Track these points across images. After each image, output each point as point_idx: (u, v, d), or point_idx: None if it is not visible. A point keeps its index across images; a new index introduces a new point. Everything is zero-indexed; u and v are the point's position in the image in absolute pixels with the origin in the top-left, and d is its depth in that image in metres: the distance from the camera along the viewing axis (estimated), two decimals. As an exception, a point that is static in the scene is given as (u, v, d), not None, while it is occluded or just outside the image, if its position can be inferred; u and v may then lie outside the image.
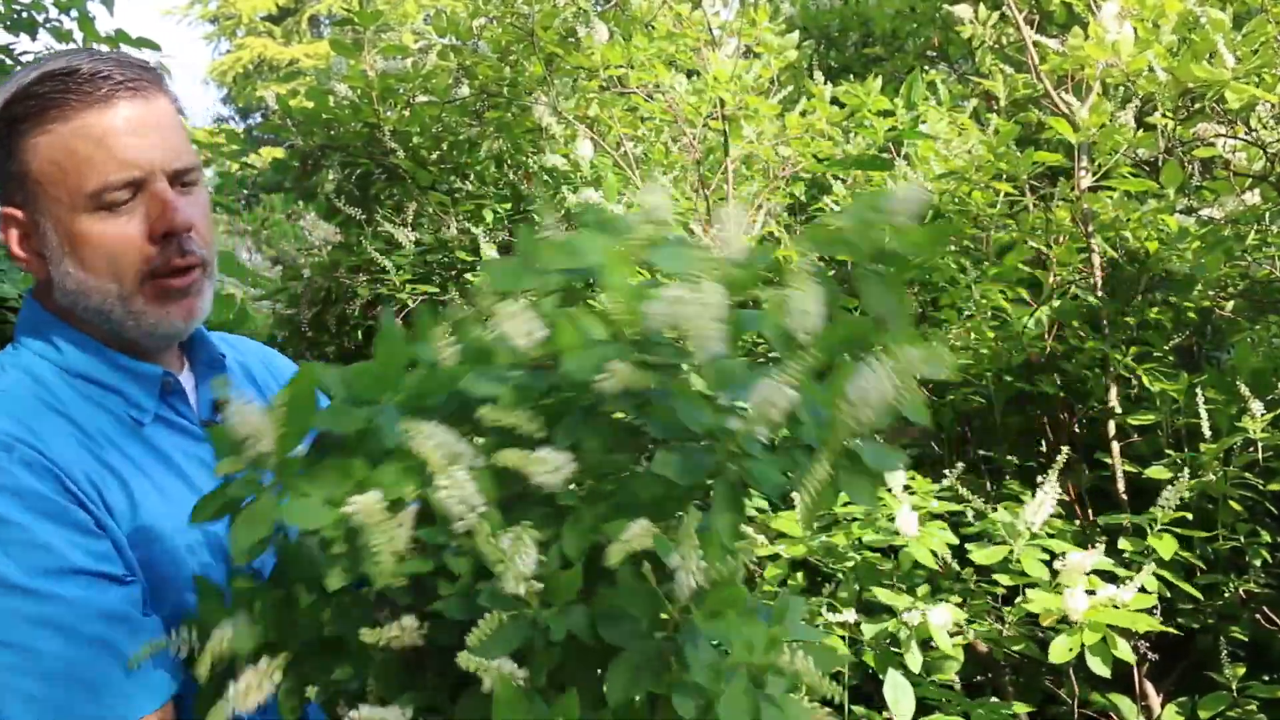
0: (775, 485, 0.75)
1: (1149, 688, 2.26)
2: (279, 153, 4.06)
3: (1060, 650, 1.87)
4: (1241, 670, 2.16)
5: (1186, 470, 2.10)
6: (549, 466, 0.75)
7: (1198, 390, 2.27)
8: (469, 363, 0.83)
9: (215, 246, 1.21)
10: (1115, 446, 2.43)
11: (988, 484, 2.55)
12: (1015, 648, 2.10)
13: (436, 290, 2.79)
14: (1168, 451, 2.32)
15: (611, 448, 0.79)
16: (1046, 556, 1.99)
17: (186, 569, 1.09)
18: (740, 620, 0.74)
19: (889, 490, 2.02)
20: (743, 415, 0.75)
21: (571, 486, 0.77)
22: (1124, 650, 1.87)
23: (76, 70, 1.09)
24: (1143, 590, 1.93)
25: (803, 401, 0.75)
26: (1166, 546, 2.06)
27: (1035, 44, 2.62)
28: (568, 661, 0.73)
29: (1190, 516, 2.12)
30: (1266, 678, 2.25)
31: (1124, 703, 2.21)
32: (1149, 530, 2.10)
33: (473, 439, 0.80)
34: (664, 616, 0.74)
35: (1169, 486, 2.06)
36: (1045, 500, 1.94)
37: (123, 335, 1.14)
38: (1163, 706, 2.24)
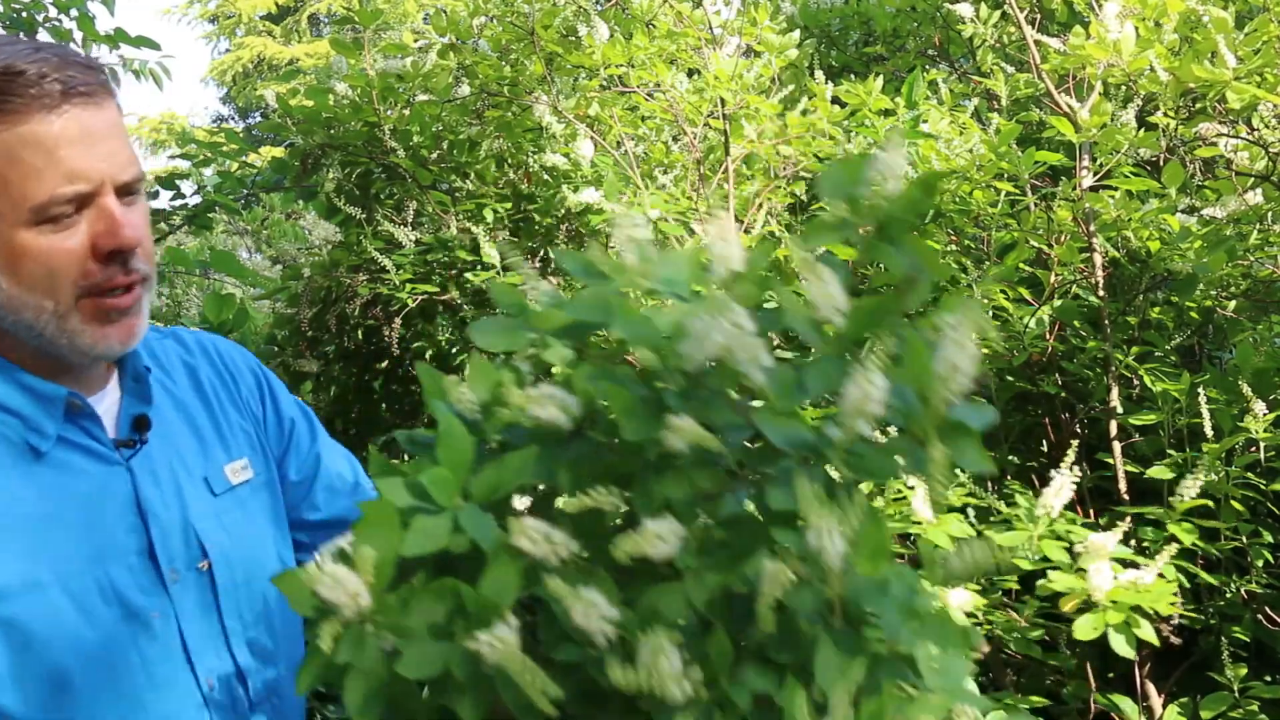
0: (892, 475, 0.74)
1: (1150, 688, 2.26)
2: (279, 152, 4.05)
3: (1085, 628, 1.87)
4: (1243, 671, 2.16)
5: (1202, 466, 2.09)
6: (665, 539, 0.72)
7: (1199, 390, 2.27)
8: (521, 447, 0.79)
9: (154, 259, 1.13)
10: (1117, 446, 2.43)
11: (989, 483, 2.55)
12: (1033, 635, 2.10)
13: (436, 290, 2.79)
14: (1169, 451, 2.32)
15: (698, 497, 0.76)
16: (1065, 544, 1.99)
17: (66, 624, 1.01)
18: (893, 563, 0.73)
19: (908, 485, 2.02)
20: (838, 419, 0.73)
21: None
22: (1147, 631, 1.86)
23: (21, 71, 1.01)
24: (1162, 577, 1.93)
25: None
26: (1186, 535, 2.07)
27: (1037, 43, 2.62)
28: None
29: (1211, 505, 2.12)
30: (1269, 678, 2.25)
31: (1125, 703, 2.21)
32: (1167, 521, 2.10)
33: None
34: (827, 595, 0.71)
35: (1186, 476, 2.05)
36: (1064, 484, 1.93)
37: (50, 353, 1.07)
38: (1164, 707, 2.24)
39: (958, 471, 2.16)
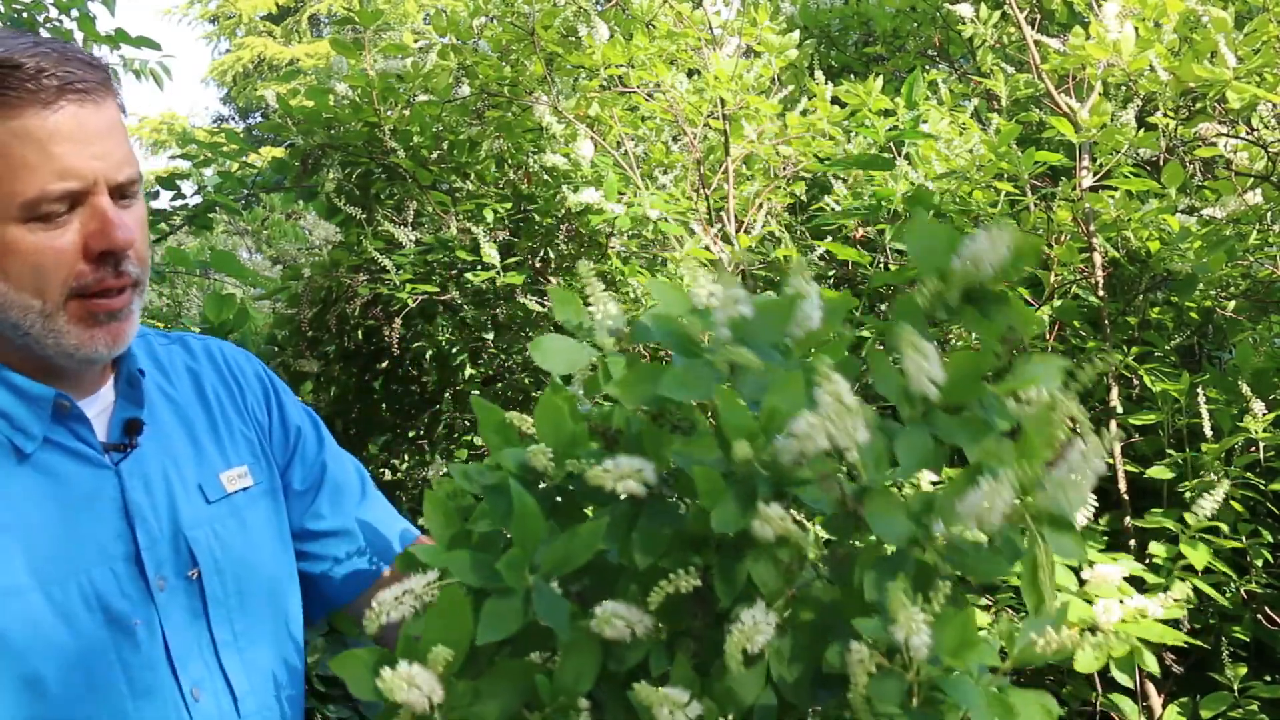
0: (996, 575, 0.72)
1: (1150, 688, 2.25)
2: (279, 152, 4.05)
3: (1086, 662, 1.85)
4: (1243, 670, 2.16)
5: (1225, 481, 2.07)
6: (761, 630, 0.71)
7: (1199, 390, 2.27)
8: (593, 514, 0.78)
9: (150, 262, 1.11)
10: (1116, 446, 2.43)
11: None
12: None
13: (436, 290, 2.79)
14: (1169, 451, 2.32)
15: (781, 569, 0.74)
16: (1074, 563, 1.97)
17: (45, 628, 0.99)
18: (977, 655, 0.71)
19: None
20: (945, 515, 0.71)
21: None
22: (1150, 662, 1.85)
23: (19, 65, 0.99)
24: (1174, 601, 1.91)
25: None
26: (1200, 557, 2.04)
27: (1036, 43, 2.62)
28: None
29: (1223, 527, 2.10)
30: (1268, 678, 2.25)
31: (1125, 703, 2.21)
32: (1181, 534, 2.08)
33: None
34: (910, 679, 0.70)
35: (1206, 494, 2.02)
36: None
37: (36, 353, 1.05)
38: (1164, 707, 2.24)
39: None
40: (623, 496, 0.75)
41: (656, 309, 0.83)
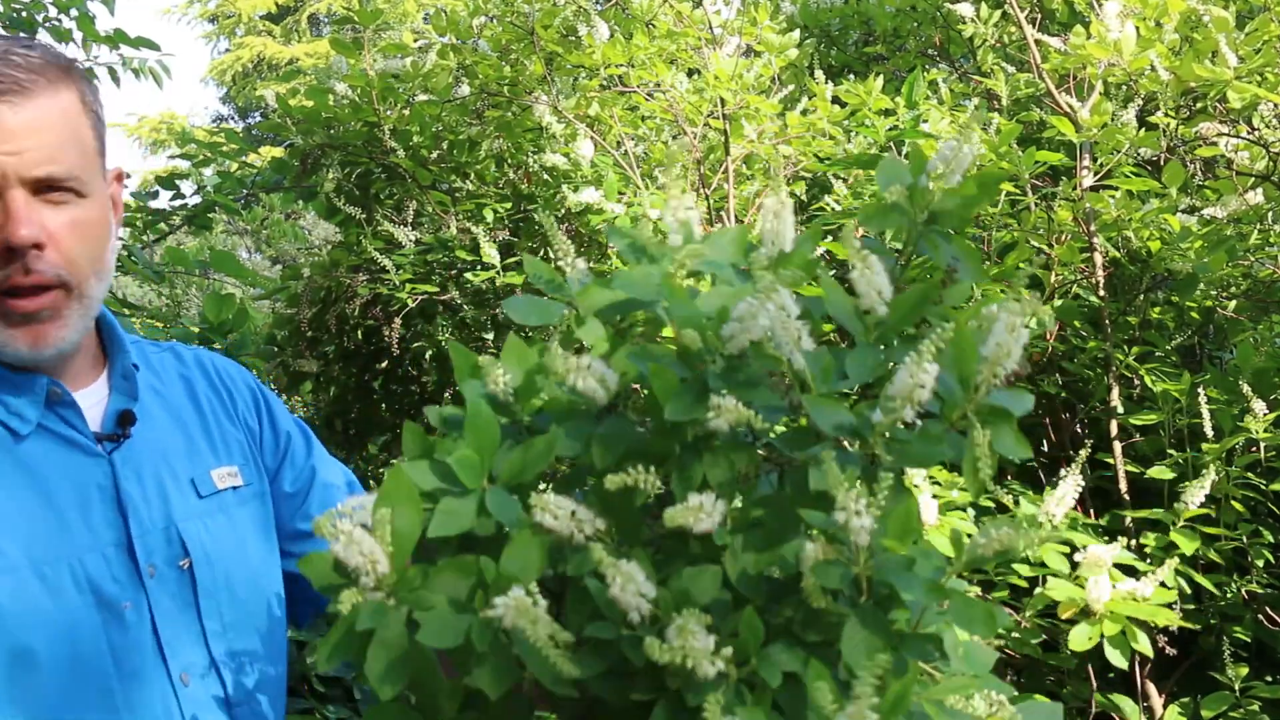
0: (935, 461, 0.74)
1: (1151, 688, 2.25)
2: (279, 152, 4.05)
3: (1080, 639, 1.87)
4: (1244, 671, 2.16)
5: (1209, 470, 2.09)
6: (706, 514, 0.72)
7: (1200, 390, 2.27)
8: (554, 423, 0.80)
9: (94, 268, 1.10)
10: (1117, 446, 2.43)
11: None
12: (1033, 640, 2.10)
13: (436, 290, 2.79)
14: (1170, 451, 2.32)
15: (737, 471, 0.76)
16: (1066, 549, 1.98)
17: (35, 604, 1.02)
18: (922, 542, 0.73)
19: (914, 484, 2.02)
20: (884, 404, 0.73)
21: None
22: (1143, 643, 1.86)
23: None
24: (1163, 585, 1.92)
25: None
26: (1188, 543, 2.06)
27: (1037, 42, 2.62)
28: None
29: (1212, 514, 2.12)
30: (1269, 678, 2.25)
31: (1126, 703, 2.21)
32: (1170, 525, 2.09)
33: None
34: (855, 572, 0.71)
35: (1191, 482, 2.05)
36: (1067, 492, 1.93)
37: None
38: (1165, 707, 2.24)
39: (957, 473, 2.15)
40: (580, 389, 0.78)
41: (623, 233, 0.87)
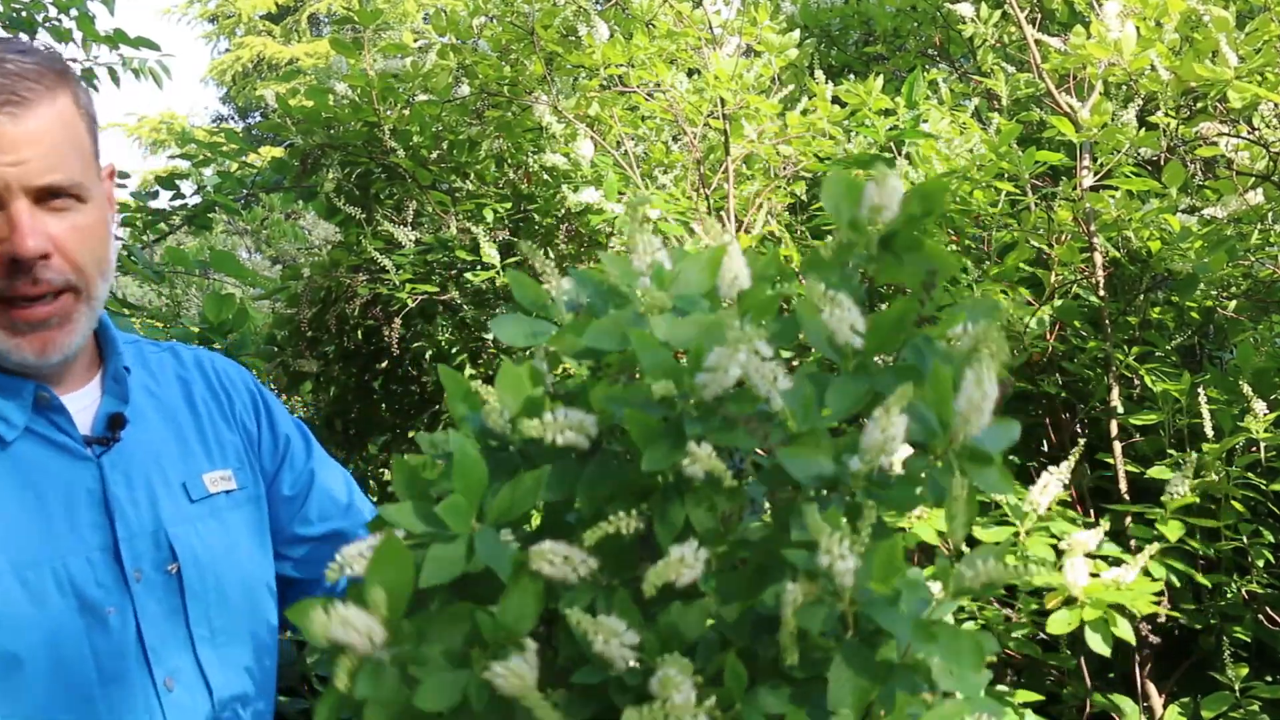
0: (913, 506, 0.74)
1: (1151, 688, 2.25)
2: (279, 152, 4.05)
3: (1059, 624, 1.87)
4: (1244, 671, 2.15)
5: (1192, 458, 2.10)
6: (690, 565, 0.72)
7: (1200, 390, 2.27)
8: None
9: (99, 269, 1.11)
10: (1117, 446, 2.43)
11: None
12: (1023, 633, 2.10)
13: (436, 290, 2.79)
14: (1170, 451, 2.32)
15: (718, 513, 0.76)
16: (1054, 541, 1.98)
17: (16, 608, 1.02)
18: (907, 577, 0.73)
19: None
20: (860, 453, 0.73)
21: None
22: (1124, 629, 1.87)
23: None
24: (1147, 575, 1.92)
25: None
26: (1173, 530, 2.07)
27: (1037, 42, 2.62)
28: None
29: (1197, 500, 2.12)
30: (1270, 678, 2.25)
31: (1126, 703, 2.21)
32: (1157, 519, 2.10)
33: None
34: (840, 609, 0.71)
35: (1175, 473, 2.06)
36: (1050, 482, 1.93)
37: None
38: (1165, 707, 2.24)
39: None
40: (561, 444, 0.78)
41: (589, 272, 0.88)
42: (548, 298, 0.87)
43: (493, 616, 0.74)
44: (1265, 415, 2.14)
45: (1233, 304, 2.59)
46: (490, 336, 2.91)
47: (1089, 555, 1.92)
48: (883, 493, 0.74)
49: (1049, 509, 1.98)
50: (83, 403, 1.15)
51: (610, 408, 0.79)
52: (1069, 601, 1.89)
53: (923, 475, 0.75)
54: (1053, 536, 1.99)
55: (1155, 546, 1.96)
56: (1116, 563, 1.97)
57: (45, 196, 1.05)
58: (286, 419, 1.33)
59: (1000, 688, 2.20)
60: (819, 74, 2.86)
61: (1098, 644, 1.86)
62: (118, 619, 1.09)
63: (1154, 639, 2.14)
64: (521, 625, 0.73)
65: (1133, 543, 2.16)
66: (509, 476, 0.79)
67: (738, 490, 0.77)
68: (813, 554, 0.70)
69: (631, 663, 0.71)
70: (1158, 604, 1.97)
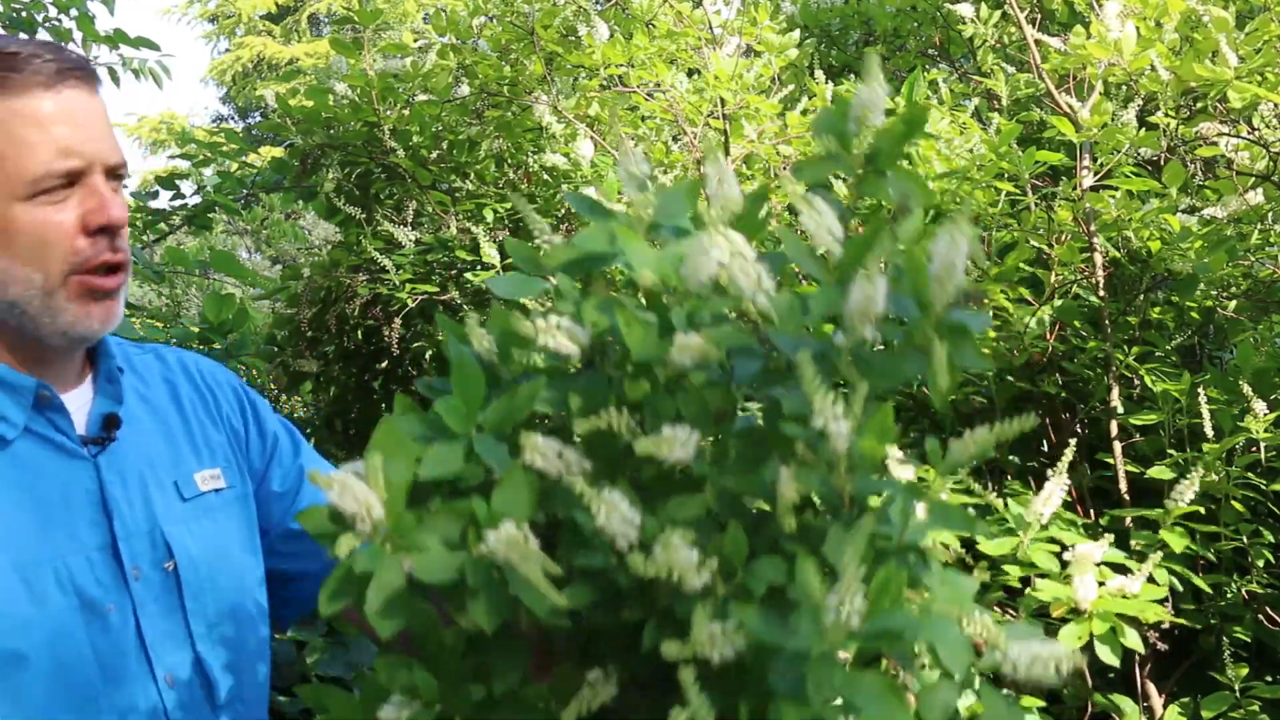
0: (900, 379, 0.76)
1: (1151, 688, 2.25)
2: (279, 152, 4.05)
3: (1069, 638, 1.87)
4: (1244, 671, 2.15)
5: (1199, 467, 2.09)
6: (680, 442, 0.74)
7: (1200, 390, 2.27)
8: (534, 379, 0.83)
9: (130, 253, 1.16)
10: (1117, 446, 2.43)
11: (989, 484, 2.55)
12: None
13: (436, 290, 2.79)
14: (1170, 451, 2.32)
15: (710, 409, 0.78)
16: (1056, 549, 1.98)
17: (17, 607, 1.02)
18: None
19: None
20: (845, 326, 0.75)
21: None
22: (1133, 640, 1.86)
23: (15, 53, 1.04)
24: (1152, 581, 1.92)
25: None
26: (1178, 540, 2.06)
27: (1037, 43, 2.62)
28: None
29: (1202, 511, 2.12)
30: (1270, 678, 2.25)
31: (1126, 703, 2.21)
32: (1161, 524, 2.09)
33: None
34: (835, 483, 0.73)
35: (1181, 480, 2.05)
36: (1054, 491, 1.92)
37: (32, 333, 1.08)
38: (1165, 707, 2.24)
39: (955, 472, 2.15)
40: (553, 348, 0.80)
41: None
42: (539, 254, 0.90)
43: (488, 504, 0.76)
44: (1265, 415, 2.14)
45: (1233, 304, 2.59)
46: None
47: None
48: (869, 366, 0.76)
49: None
50: (77, 402, 1.15)
51: (602, 314, 0.81)
52: (1075, 612, 1.89)
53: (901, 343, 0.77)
54: (1054, 543, 1.99)
55: (1158, 557, 1.95)
56: (1121, 569, 1.97)
57: (111, 175, 1.10)
58: (273, 418, 1.34)
59: (1004, 691, 2.20)
60: (819, 74, 2.86)
61: (1107, 656, 1.86)
62: (118, 617, 1.09)
63: (1163, 646, 2.14)
64: (516, 513, 0.75)
65: (1133, 543, 2.16)
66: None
67: (728, 391, 0.79)
68: (806, 427, 0.72)
69: (633, 541, 0.72)
70: (1163, 606, 1.96)
